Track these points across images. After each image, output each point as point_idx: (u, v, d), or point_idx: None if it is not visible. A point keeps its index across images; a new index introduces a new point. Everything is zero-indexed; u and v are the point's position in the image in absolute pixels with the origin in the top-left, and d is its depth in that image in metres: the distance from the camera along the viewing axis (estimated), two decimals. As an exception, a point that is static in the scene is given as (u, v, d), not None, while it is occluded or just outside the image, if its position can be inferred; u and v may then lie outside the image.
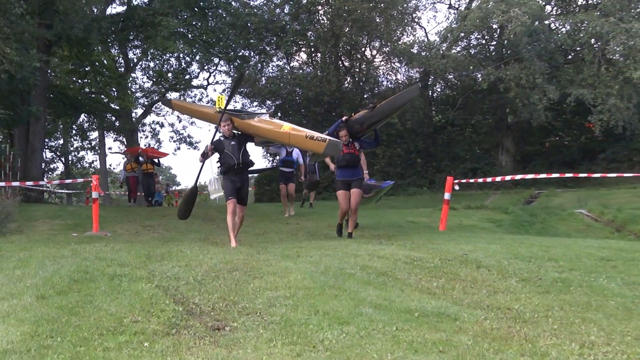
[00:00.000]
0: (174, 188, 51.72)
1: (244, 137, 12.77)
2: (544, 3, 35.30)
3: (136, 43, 36.93)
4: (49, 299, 7.21)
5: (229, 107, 14.11)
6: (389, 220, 19.35)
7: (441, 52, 34.35)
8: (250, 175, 20.14)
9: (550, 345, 5.25)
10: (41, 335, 5.78)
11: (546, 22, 34.77)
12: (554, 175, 22.55)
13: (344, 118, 14.25)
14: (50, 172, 48.92)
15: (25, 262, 9.59)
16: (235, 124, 12.89)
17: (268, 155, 39.26)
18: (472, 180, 21.95)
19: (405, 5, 37.54)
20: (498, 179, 21.80)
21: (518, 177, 23.17)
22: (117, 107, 39.77)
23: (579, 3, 34.88)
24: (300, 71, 40.96)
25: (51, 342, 5.53)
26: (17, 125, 30.16)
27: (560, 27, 35.43)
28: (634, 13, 33.39)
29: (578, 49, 34.14)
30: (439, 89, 41.40)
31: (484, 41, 34.47)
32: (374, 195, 16.90)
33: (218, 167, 12.83)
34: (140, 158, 25.90)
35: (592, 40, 33.42)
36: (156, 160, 27.28)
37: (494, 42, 33.96)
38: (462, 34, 33.96)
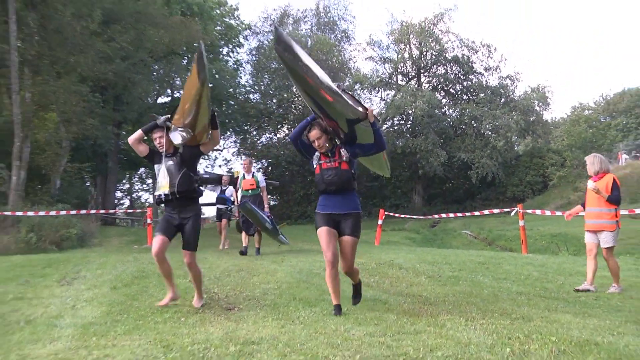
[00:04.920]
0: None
1: (190, 154, 6.01)
2: (440, 97, 35.67)
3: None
4: (118, 289, 7.31)
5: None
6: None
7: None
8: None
9: (446, 319, 5.26)
10: (113, 313, 5.78)
11: (442, 109, 35.22)
12: (451, 214, 22.56)
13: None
14: (120, 205, 48.74)
15: (103, 265, 9.70)
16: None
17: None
18: (396, 215, 22.02)
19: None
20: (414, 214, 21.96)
21: (427, 216, 23.14)
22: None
23: (464, 98, 35.31)
24: (284, 140, 40.86)
25: (119, 317, 5.52)
26: (99, 175, 30.85)
27: (451, 113, 35.81)
28: (499, 104, 33.96)
29: (463, 126, 34.47)
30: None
31: (402, 121, 34.71)
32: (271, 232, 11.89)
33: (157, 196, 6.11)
34: None
35: (472, 121, 33.89)
36: None
37: (409, 122, 34.21)
38: (388, 117, 34.21)
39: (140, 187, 50.76)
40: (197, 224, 6.06)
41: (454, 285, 7.68)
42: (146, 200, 52.62)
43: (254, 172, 12.06)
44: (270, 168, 35.97)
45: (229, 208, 14.14)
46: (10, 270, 8.98)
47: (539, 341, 4.28)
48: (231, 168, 37.86)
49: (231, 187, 13.67)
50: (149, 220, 16.39)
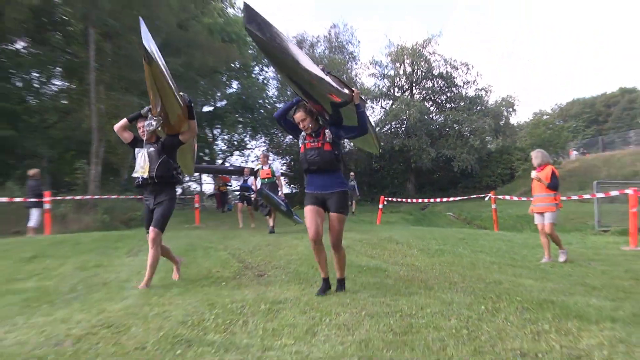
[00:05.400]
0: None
1: (170, 142, 5.39)
2: (428, 105, 35.51)
3: (218, 126, 36.79)
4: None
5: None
6: (349, 219, 19.27)
7: (377, 132, 34.60)
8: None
9: (434, 283, 5.25)
10: (169, 278, 5.82)
11: (430, 115, 35.01)
12: (437, 199, 22.45)
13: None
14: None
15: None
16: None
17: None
18: (394, 199, 21.97)
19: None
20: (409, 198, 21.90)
21: (418, 201, 23.05)
22: (208, 159, 39.83)
23: (447, 106, 35.07)
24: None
25: (175, 282, 5.57)
26: None
27: (437, 118, 35.60)
28: (475, 111, 33.73)
29: (447, 129, 34.25)
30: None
31: (398, 125, 34.53)
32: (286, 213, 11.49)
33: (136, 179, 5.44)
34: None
35: (454, 125, 33.74)
36: (228, 184, 27.06)
37: (404, 126, 34.04)
38: (387, 122, 34.11)
39: (189, 179, 50.73)
40: (169, 208, 5.42)
41: (440, 257, 7.64)
42: (194, 189, 52.72)
43: (270, 164, 11.91)
44: (292, 163, 35.81)
45: (249, 194, 13.96)
46: (91, 244, 9.06)
47: (507, 300, 4.27)
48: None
49: (252, 178, 13.50)
50: (196, 205, 16.53)
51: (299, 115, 4.66)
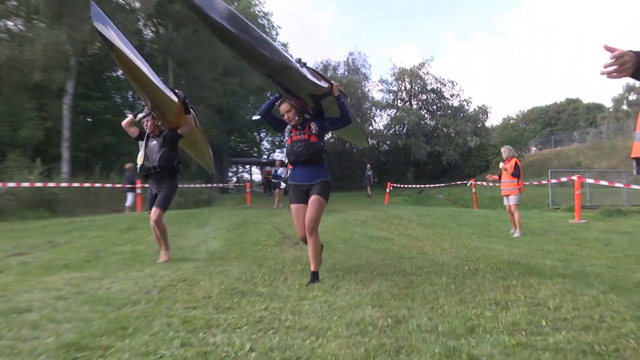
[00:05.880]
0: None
1: (170, 136, 4.71)
2: (424, 113, 34.94)
3: (263, 130, 36.57)
4: (230, 231, 7.35)
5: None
6: (361, 200, 19.20)
7: (384, 133, 34.22)
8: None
9: (429, 249, 5.18)
10: (228, 245, 5.83)
11: (425, 120, 34.46)
12: (431, 185, 22.18)
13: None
14: (230, 181, 48.94)
15: (221, 217, 9.74)
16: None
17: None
18: (398, 185, 21.78)
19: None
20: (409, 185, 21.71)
21: (416, 186, 22.81)
22: (256, 155, 39.60)
23: (438, 114, 34.47)
24: (330, 139, 40.27)
25: (232, 248, 5.56)
26: (217, 162, 30.73)
27: (431, 123, 35.00)
28: (459, 117, 33.14)
29: (437, 131, 33.67)
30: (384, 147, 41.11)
31: (401, 128, 34.12)
32: None
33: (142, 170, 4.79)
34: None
35: (443, 128, 33.35)
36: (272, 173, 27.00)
37: (405, 129, 33.62)
38: (392, 125, 33.82)
39: (242, 170, 50.89)
40: (171, 192, 4.67)
41: (433, 229, 7.54)
42: (245, 178, 52.79)
43: None
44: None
45: (278, 181, 13.67)
46: (170, 219, 9.13)
47: (485, 262, 4.21)
48: None
49: (282, 168, 13.16)
50: (247, 189, 16.60)
51: (283, 107, 3.70)
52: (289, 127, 3.75)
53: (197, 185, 17.41)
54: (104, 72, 21.56)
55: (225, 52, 20.73)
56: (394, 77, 36.00)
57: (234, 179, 40.86)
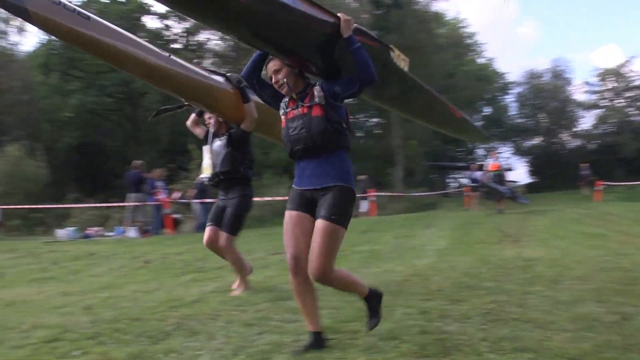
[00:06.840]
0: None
1: (236, 134, 3.45)
2: (625, 106, 29.36)
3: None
4: (455, 231, 7.46)
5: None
6: (571, 198, 16.14)
7: (591, 133, 30.18)
8: None
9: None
10: (454, 243, 6.01)
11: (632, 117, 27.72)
12: None
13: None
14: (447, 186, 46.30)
15: (444, 218, 9.70)
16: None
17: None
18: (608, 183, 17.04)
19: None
20: None
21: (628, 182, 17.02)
22: (472, 162, 37.48)
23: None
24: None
25: (457, 246, 5.77)
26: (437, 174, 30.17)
27: (637, 118, 28.50)
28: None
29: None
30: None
31: (606, 126, 29.25)
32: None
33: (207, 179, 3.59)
34: None
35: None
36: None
37: (612, 127, 28.74)
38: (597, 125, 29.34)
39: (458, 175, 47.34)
40: (240, 207, 3.44)
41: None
42: (463, 182, 47.76)
43: (497, 157, 11.66)
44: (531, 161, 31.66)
45: (475, 185, 12.80)
46: (401, 222, 9.44)
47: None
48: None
49: (478, 172, 12.64)
50: (465, 193, 15.44)
51: (272, 65, 2.22)
52: (285, 100, 2.27)
53: (422, 194, 18.03)
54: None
55: (441, 70, 20.85)
56: (597, 78, 31.21)
57: (455, 183, 39.51)
